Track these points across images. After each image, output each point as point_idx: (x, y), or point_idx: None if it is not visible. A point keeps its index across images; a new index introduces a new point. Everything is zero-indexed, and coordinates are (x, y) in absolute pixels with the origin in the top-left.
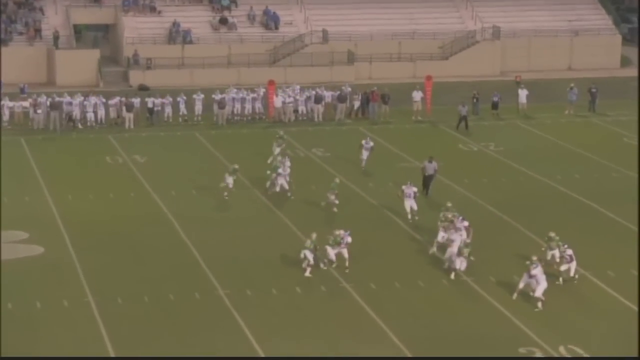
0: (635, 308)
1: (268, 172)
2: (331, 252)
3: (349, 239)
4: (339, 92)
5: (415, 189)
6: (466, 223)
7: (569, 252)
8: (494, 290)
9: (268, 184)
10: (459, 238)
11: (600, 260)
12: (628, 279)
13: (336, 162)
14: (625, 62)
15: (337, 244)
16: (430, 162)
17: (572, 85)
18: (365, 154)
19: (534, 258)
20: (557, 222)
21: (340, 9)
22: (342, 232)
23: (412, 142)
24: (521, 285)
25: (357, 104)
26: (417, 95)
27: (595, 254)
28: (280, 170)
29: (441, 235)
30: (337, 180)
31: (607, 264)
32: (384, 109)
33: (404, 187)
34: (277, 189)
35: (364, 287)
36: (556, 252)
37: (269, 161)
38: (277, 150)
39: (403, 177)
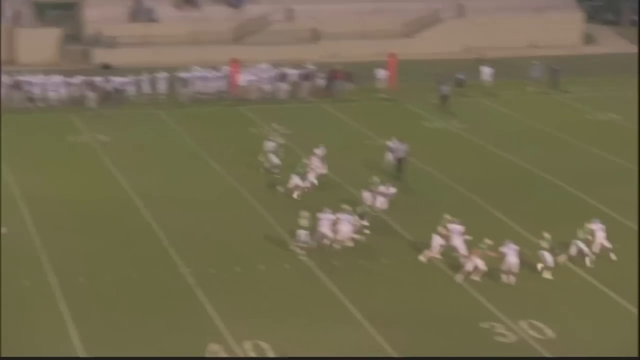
0: (602, 288)
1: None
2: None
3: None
4: (303, 71)
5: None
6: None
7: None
8: (457, 266)
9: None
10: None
11: (567, 239)
12: (604, 257)
13: (300, 140)
14: (587, 39)
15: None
16: (401, 143)
17: (535, 62)
18: (390, 157)
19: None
20: (522, 200)
21: None
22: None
23: (376, 120)
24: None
25: (321, 82)
26: (381, 73)
27: (560, 232)
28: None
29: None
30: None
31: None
32: (349, 87)
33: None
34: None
35: (328, 265)
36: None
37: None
38: (269, 145)
39: (368, 154)
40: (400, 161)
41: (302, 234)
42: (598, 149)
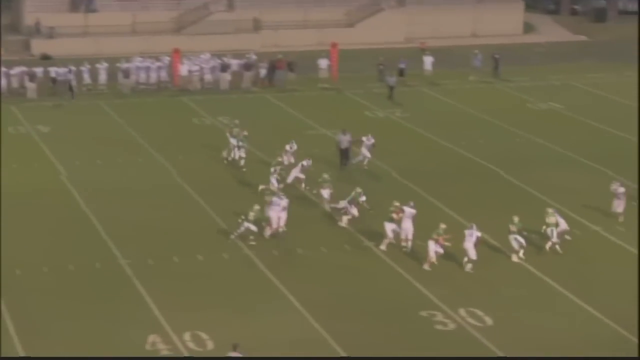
0: (542, 276)
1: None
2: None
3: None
4: (245, 61)
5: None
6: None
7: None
8: (397, 255)
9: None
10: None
11: (504, 227)
12: (534, 245)
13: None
14: (527, 28)
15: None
16: (344, 134)
17: (476, 51)
18: (365, 152)
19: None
20: (462, 188)
21: None
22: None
23: (318, 110)
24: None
25: (263, 72)
26: (323, 62)
27: (501, 220)
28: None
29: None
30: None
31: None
32: (291, 76)
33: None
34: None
35: (266, 253)
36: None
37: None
38: (233, 141)
39: (310, 144)
40: (344, 151)
41: (250, 224)
42: (539, 137)
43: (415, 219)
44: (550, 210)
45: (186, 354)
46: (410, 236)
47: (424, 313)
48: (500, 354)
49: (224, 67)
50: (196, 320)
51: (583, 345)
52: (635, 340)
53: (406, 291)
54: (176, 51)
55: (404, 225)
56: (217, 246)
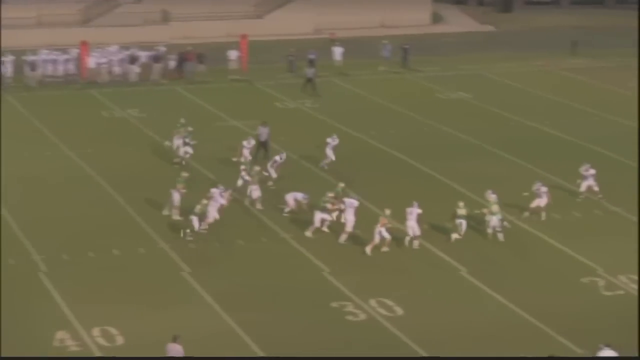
0: (455, 264)
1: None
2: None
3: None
4: (154, 52)
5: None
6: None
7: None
8: (309, 245)
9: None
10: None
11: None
12: (441, 234)
13: (152, 123)
14: (436, 18)
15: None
16: (264, 126)
17: (385, 42)
18: (330, 153)
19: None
20: (373, 177)
21: None
22: None
23: (229, 101)
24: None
25: (172, 63)
26: (233, 54)
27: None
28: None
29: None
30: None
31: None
32: (200, 68)
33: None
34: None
35: (181, 247)
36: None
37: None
38: (176, 142)
39: (221, 135)
40: (264, 143)
41: (194, 219)
42: (448, 127)
43: (357, 211)
44: (491, 195)
45: (95, 350)
46: (349, 228)
47: (334, 304)
48: (411, 344)
49: (133, 59)
50: (106, 315)
51: (494, 333)
52: (545, 328)
53: (318, 282)
54: (84, 43)
55: (347, 216)
56: (134, 240)
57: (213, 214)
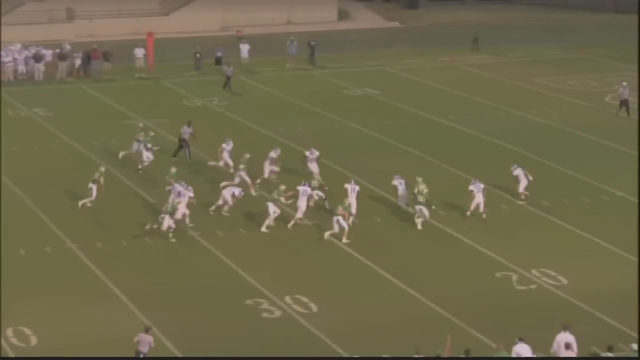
0: (365, 261)
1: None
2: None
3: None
4: (59, 51)
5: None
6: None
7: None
8: (221, 243)
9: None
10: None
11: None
12: (364, 229)
13: (59, 121)
14: (342, 15)
15: None
16: (188, 126)
17: (292, 38)
18: (313, 167)
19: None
20: (282, 175)
21: None
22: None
23: (136, 99)
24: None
25: (78, 62)
26: (139, 52)
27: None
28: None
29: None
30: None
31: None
32: (106, 66)
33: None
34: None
35: (89, 246)
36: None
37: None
38: (136, 146)
39: (126, 134)
40: (185, 142)
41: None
42: (356, 123)
43: (310, 198)
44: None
45: (9, 351)
46: (301, 214)
47: (249, 301)
48: (327, 340)
49: (38, 58)
50: (19, 316)
51: (409, 328)
52: (459, 322)
53: (233, 279)
54: None
55: (299, 203)
56: (40, 240)
57: (182, 210)
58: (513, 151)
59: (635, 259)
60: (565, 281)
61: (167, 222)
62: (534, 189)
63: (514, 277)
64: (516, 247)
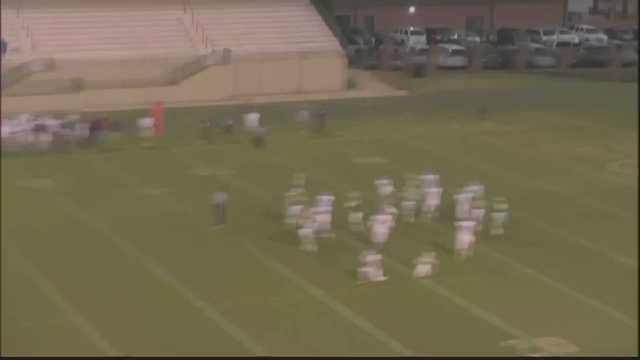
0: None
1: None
2: None
3: None
4: (66, 120)
5: None
6: None
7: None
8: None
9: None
10: None
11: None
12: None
13: (67, 193)
14: (350, 84)
15: None
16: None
17: (301, 107)
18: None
19: None
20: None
21: (68, 34)
22: None
23: (144, 169)
24: None
25: (86, 131)
26: (147, 121)
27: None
28: None
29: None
30: None
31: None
32: (115, 135)
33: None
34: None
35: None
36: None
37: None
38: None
39: (134, 203)
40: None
41: None
42: (364, 192)
43: None
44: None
45: None
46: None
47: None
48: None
49: (45, 128)
50: None
51: None
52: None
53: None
54: None
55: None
56: (43, 311)
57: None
58: (517, 218)
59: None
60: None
61: None
62: (540, 256)
63: (521, 345)
64: (523, 313)
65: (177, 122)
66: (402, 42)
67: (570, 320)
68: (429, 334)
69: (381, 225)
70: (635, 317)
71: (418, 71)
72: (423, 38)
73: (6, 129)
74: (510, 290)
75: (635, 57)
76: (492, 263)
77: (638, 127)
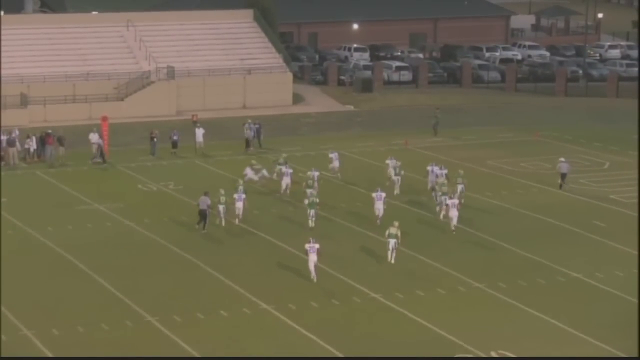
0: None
1: None
2: None
3: None
4: (9, 136)
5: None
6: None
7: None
8: None
9: None
10: None
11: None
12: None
13: (13, 209)
14: (296, 99)
15: None
16: (206, 195)
17: (249, 122)
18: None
19: None
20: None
21: (10, 50)
22: None
23: (91, 184)
24: None
25: (32, 147)
26: (93, 136)
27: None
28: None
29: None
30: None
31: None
32: (61, 151)
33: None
34: None
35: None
36: None
37: None
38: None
39: (82, 219)
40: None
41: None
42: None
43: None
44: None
45: None
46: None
47: None
48: None
49: None
50: None
51: None
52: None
53: None
54: None
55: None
56: None
57: None
58: (466, 232)
59: (592, 341)
60: None
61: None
62: (489, 270)
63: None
64: (474, 328)
65: (123, 138)
66: (346, 59)
67: (519, 335)
68: (380, 345)
69: None
70: (585, 329)
71: (364, 86)
72: (367, 55)
73: None
74: (460, 305)
75: (578, 73)
76: (441, 278)
77: (638, 138)
